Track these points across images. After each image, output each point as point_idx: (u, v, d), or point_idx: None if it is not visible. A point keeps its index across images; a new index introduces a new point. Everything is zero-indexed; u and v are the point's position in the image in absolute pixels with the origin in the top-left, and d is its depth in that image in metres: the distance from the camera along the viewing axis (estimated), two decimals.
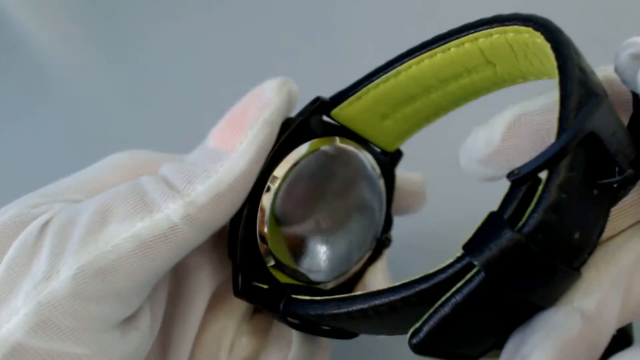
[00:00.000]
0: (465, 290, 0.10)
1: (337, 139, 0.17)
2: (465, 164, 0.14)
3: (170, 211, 0.13)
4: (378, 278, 0.18)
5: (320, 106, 0.16)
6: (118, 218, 0.13)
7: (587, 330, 0.11)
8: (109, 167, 0.16)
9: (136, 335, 0.14)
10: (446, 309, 0.11)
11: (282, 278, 0.17)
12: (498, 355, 0.12)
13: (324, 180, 0.17)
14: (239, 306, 0.18)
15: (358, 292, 0.13)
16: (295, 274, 0.17)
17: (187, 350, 0.16)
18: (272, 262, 0.16)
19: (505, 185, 0.11)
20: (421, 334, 0.11)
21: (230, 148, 0.14)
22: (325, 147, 0.17)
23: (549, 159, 0.10)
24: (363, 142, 0.18)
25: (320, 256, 0.17)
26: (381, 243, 0.19)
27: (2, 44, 0.48)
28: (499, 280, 0.10)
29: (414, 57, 0.15)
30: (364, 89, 0.16)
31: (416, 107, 0.17)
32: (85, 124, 0.39)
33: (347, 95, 0.16)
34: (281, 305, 0.15)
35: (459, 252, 0.11)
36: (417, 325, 0.11)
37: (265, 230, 0.16)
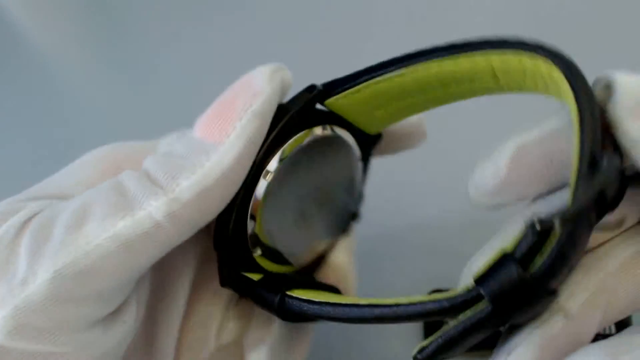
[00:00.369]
0: (474, 319, 0.12)
1: (328, 127, 0.17)
2: (476, 197, 0.14)
3: (152, 209, 0.13)
4: (339, 257, 0.19)
5: (316, 95, 0.16)
6: (98, 217, 0.13)
7: (569, 328, 0.12)
8: (90, 162, 0.16)
9: (120, 329, 0.14)
10: (453, 332, 0.12)
11: (268, 266, 0.17)
12: (489, 355, 0.13)
13: (313, 167, 0.17)
14: (226, 292, 0.17)
15: (363, 301, 0.13)
16: (280, 258, 0.17)
17: (174, 338, 0.16)
18: (259, 252, 0.16)
19: None
20: (428, 350, 0.12)
21: (218, 141, 0.14)
22: (316, 136, 0.16)
23: (566, 219, 0.11)
24: (348, 125, 0.18)
25: (302, 238, 0.18)
26: (350, 217, 0.20)
27: (2, 44, 0.48)
28: (504, 312, 0.11)
29: (423, 62, 0.15)
30: (364, 84, 0.16)
31: (411, 101, 0.16)
32: (85, 124, 0.39)
33: (345, 87, 0.16)
34: (276, 302, 0.15)
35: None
36: (425, 343, 0.12)
37: (255, 222, 0.15)
